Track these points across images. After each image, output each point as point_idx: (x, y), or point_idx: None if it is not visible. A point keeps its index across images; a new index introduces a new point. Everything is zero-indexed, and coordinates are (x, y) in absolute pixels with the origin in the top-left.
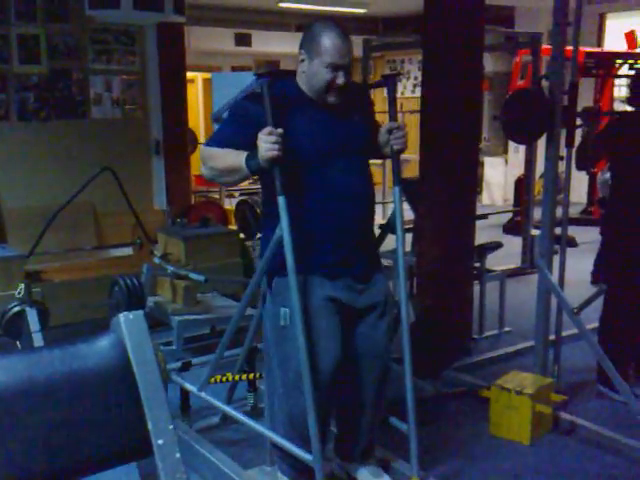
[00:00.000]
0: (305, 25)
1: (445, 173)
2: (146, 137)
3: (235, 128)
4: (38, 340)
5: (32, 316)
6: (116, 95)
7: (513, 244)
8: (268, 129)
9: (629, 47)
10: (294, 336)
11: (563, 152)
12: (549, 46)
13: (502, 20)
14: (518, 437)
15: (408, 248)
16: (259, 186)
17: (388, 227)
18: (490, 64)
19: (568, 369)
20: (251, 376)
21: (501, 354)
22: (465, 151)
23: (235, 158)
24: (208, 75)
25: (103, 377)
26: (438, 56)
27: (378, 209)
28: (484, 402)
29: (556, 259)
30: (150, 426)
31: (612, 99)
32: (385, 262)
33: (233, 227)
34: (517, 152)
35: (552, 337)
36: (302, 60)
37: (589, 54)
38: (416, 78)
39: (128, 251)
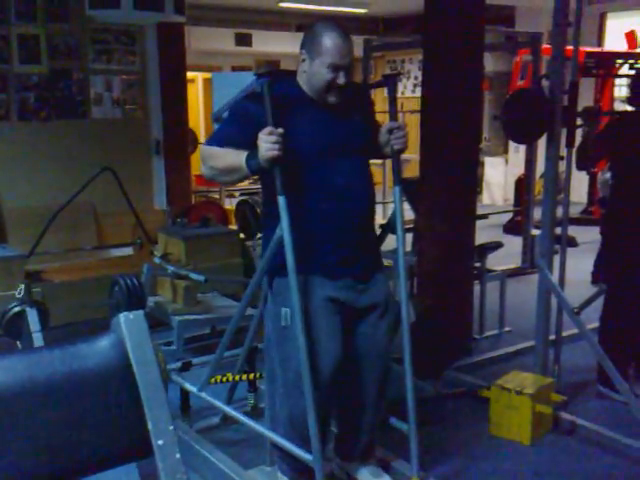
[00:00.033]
0: (306, 25)
1: (445, 173)
2: (146, 137)
3: (235, 127)
4: (38, 340)
5: (32, 316)
6: (116, 95)
7: (513, 244)
8: (268, 129)
9: (629, 47)
10: (294, 336)
11: (563, 152)
12: (549, 46)
13: (502, 20)
14: (518, 437)
15: (408, 248)
16: (259, 186)
17: (388, 227)
18: (490, 64)
19: (568, 369)
20: (251, 376)
21: (501, 354)
22: (465, 151)
23: (235, 157)
24: (208, 75)
25: (103, 377)
26: (438, 56)
27: (378, 209)
28: (484, 402)
29: (556, 259)
30: (150, 426)
31: (612, 99)
32: (385, 262)
33: (233, 227)
34: (517, 152)
35: (552, 337)
36: (303, 60)
37: (589, 54)
38: (416, 78)
39: (128, 251)
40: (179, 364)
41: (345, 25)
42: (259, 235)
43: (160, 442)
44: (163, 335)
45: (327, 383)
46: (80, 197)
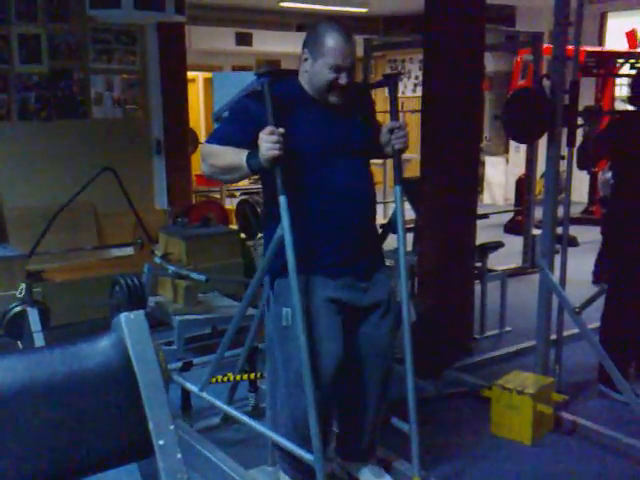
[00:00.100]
0: (307, 25)
1: (446, 172)
2: (147, 137)
3: (236, 126)
4: (39, 340)
5: (33, 316)
6: (117, 95)
7: (514, 244)
8: (269, 128)
9: (630, 46)
10: (296, 336)
11: (564, 151)
12: (550, 45)
13: (503, 19)
14: (519, 437)
15: (409, 248)
16: (260, 185)
17: (389, 226)
18: (491, 63)
19: (569, 369)
20: (252, 376)
21: (502, 354)
22: (466, 150)
23: (235, 156)
24: (209, 75)
25: (104, 377)
26: (439, 55)
27: (379, 208)
28: (485, 402)
29: (557, 259)
30: (151, 426)
31: (613, 98)
32: (386, 262)
33: (234, 227)
34: (518, 151)
35: (553, 337)
36: (305, 59)
37: (590, 53)
38: (417, 77)
39: (129, 251)
40: (180, 364)
41: (347, 25)
42: (260, 235)
43: (161, 442)
44: (164, 335)
45: (328, 383)
46: (81, 197)
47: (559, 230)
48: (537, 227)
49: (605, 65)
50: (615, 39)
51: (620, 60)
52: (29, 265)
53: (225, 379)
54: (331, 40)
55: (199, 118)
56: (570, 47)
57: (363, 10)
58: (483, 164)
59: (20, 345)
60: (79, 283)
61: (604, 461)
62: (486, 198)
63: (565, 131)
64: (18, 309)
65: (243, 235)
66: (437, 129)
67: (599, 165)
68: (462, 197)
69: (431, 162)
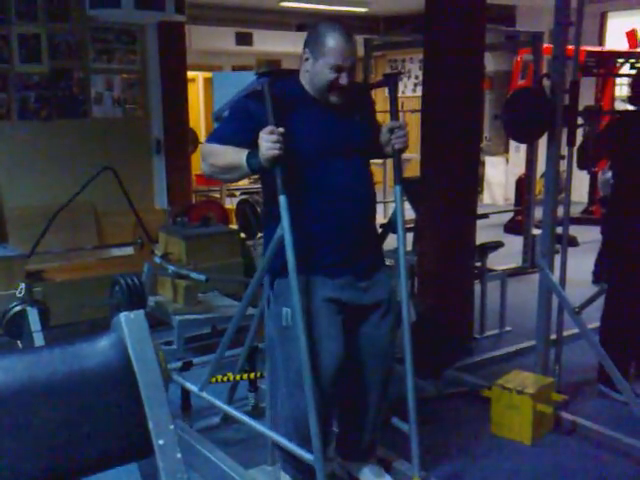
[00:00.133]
0: (308, 24)
1: (446, 172)
2: (147, 136)
3: (236, 125)
4: (39, 340)
5: (33, 316)
6: (117, 94)
7: (514, 243)
8: (269, 128)
9: (630, 46)
10: (296, 336)
11: (564, 151)
12: (550, 45)
13: (503, 19)
14: (519, 437)
15: (409, 247)
16: (260, 185)
17: (389, 226)
18: (491, 63)
19: (569, 369)
20: (252, 376)
21: (502, 354)
22: (466, 150)
23: (235, 156)
24: (209, 74)
25: (104, 377)
26: (439, 55)
27: (379, 208)
28: (485, 402)
29: (557, 258)
30: (151, 426)
31: (613, 98)
32: (386, 261)
33: (234, 226)
34: (518, 151)
35: (553, 337)
36: (306, 59)
37: (590, 53)
38: (417, 77)
39: (129, 251)
40: (180, 364)
41: (348, 25)
42: (260, 234)
43: (161, 442)
44: (164, 334)
45: (329, 383)
46: (81, 196)
47: (559, 230)
48: (537, 227)
49: (605, 65)
50: (615, 39)
51: (620, 60)
52: (29, 265)
53: (225, 379)
54: (332, 40)
55: (199, 118)
56: (570, 47)
57: (363, 9)
58: (483, 164)
59: (20, 345)
60: (79, 283)
61: (604, 461)
62: (486, 198)
63: (565, 131)
64: (18, 309)
65: (243, 235)
66: (437, 129)
67: (599, 165)
68: (462, 197)
69: (431, 162)
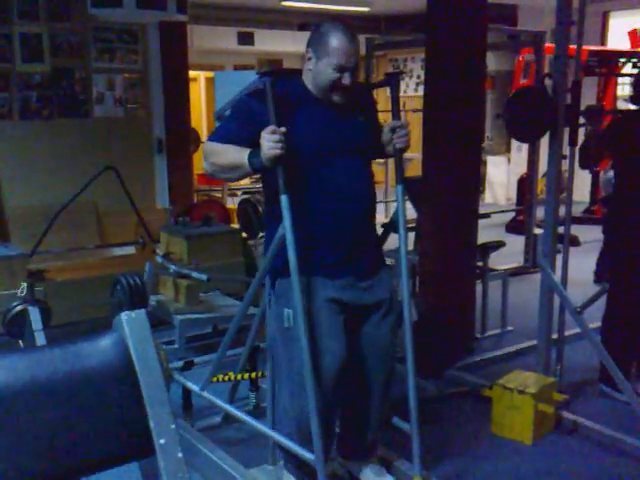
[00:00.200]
0: (310, 24)
1: (448, 172)
2: (148, 136)
3: (238, 124)
4: (40, 339)
5: (34, 315)
6: (119, 94)
7: (516, 243)
8: (271, 128)
9: (632, 46)
10: (298, 337)
11: (566, 151)
12: (552, 44)
13: (505, 18)
14: (520, 437)
15: (411, 247)
16: (261, 185)
17: (391, 226)
18: (493, 62)
19: (570, 368)
20: (253, 375)
21: (503, 353)
22: (468, 150)
23: (237, 155)
24: (211, 74)
25: (105, 376)
26: (441, 54)
27: (381, 208)
28: (486, 402)
29: (559, 258)
30: (152, 425)
31: (615, 98)
32: (388, 261)
33: (235, 226)
34: (520, 151)
35: (555, 336)
36: (309, 58)
37: (592, 53)
38: (419, 77)
39: (130, 250)
40: (181, 363)
41: (351, 25)
42: (261, 234)
43: (162, 441)
44: (165, 334)
45: (331, 383)
46: (82, 196)
47: (561, 230)
48: (539, 226)
49: (607, 64)
50: (617, 38)
51: (622, 59)
52: (30, 264)
53: (226, 378)
54: (335, 40)
55: (201, 117)
56: (572, 46)
57: (364, 9)
58: (485, 163)
59: (21, 344)
60: (80, 282)
61: (605, 461)
62: (488, 197)
63: (567, 130)
64: (19, 308)
65: (244, 234)
66: (439, 128)
67: (601, 164)
68: (464, 196)
69: (433, 161)
